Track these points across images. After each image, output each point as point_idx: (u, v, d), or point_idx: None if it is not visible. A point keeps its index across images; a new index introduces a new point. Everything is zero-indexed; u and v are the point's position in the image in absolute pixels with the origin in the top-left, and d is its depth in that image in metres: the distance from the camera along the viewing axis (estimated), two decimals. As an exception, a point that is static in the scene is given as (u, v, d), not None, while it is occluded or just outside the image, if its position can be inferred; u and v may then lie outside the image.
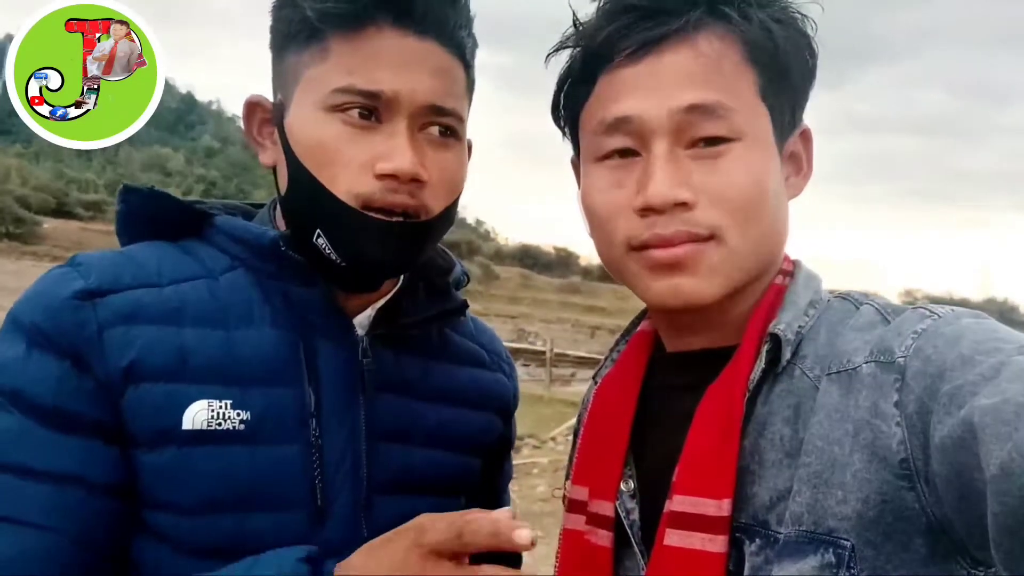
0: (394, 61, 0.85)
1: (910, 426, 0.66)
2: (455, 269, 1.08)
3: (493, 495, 1.16)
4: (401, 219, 0.87)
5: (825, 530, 0.69)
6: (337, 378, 0.91)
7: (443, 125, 0.90)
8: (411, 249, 0.91)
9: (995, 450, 0.53)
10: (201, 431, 0.81)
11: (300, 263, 0.89)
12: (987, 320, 0.71)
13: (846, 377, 0.73)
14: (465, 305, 1.07)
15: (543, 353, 19.49)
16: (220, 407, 0.83)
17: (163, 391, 0.81)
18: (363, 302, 0.96)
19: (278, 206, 0.97)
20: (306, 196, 0.88)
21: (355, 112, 0.85)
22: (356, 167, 0.85)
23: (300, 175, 0.87)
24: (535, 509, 6.59)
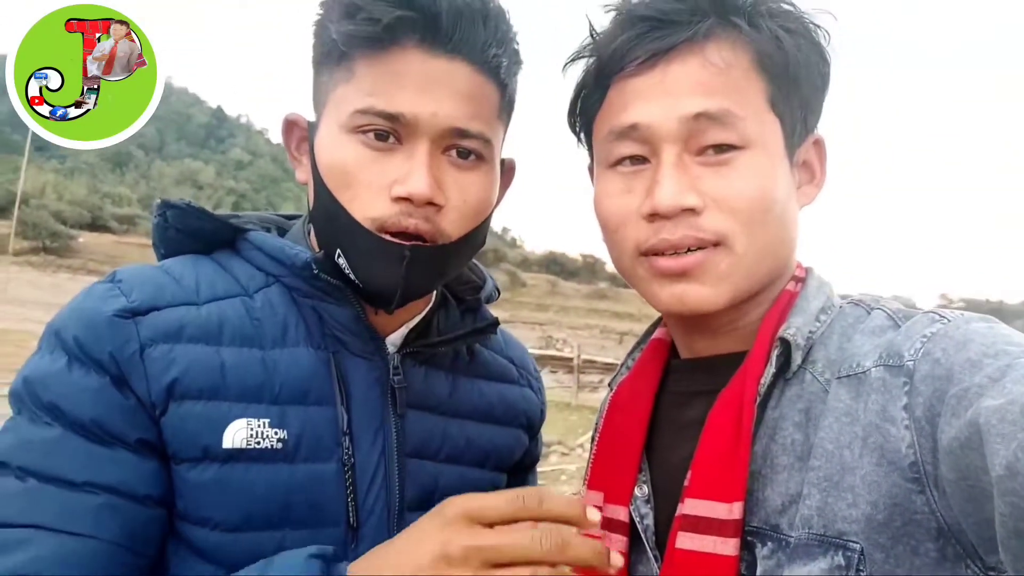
0: (417, 82, 0.83)
1: (919, 429, 0.66)
2: (487, 285, 1.08)
3: None
4: (417, 243, 0.86)
5: (835, 533, 0.69)
6: (369, 397, 0.91)
7: (467, 148, 0.88)
8: (426, 274, 0.90)
9: (1000, 450, 0.53)
10: (240, 450, 0.82)
11: (333, 283, 0.89)
12: (997, 324, 0.71)
13: (856, 381, 0.73)
14: (496, 323, 1.07)
15: (571, 360, 19.44)
16: (259, 426, 0.83)
17: (204, 410, 0.82)
18: (396, 320, 0.96)
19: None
20: (328, 216, 0.88)
21: (371, 134, 0.84)
22: (374, 190, 0.85)
23: (323, 195, 0.88)
24: (563, 516, 6.54)
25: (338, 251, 0.88)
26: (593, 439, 0.99)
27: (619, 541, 0.87)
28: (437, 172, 0.85)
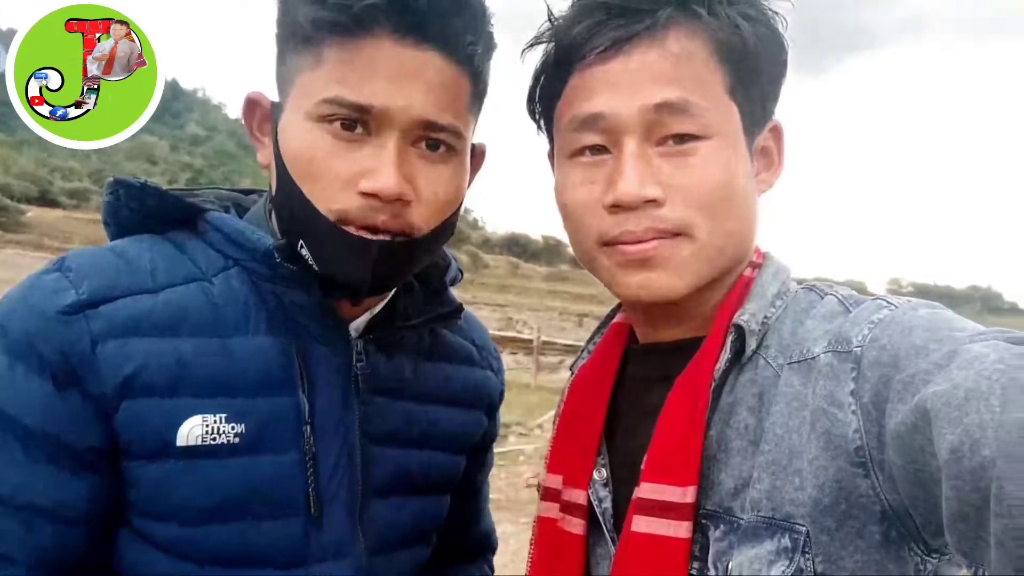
0: (389, 73, 0.80)
1: (865, 414, 0.67)
2: (451, 267, 1.07)
3: (472, 487, 1.17)
4: (386, 238, 0.84)
5: (783, 516, 0.71)
6: (331, 384, 0.90)
7: (437, 140, 0.86)
8: (395, 268, 0.88)
9: (946, 435, 0.54)
10: (195, 447, 0.81)
11: (294, 270, 0.87)
12: (942, 310, 0.72)
13: (805, 366, 0.75)
14: (460, 308, 1.05)
15: (531, 341, 19.53)
16: (215, 421, 0.82)
17: (159, 406, 0.80)
18: (360, 306, 0.95)
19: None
20: (291, 207, 0.85)
21: (338, 124, 0.81)
22: (340, 182, 0.82)
23: (286, 183, 0.85)
24: (522, 496, 6.62)
25: (301, 242, 0.86)
26: (554, 423, 1.00)
27: (577, 524, 0.88)
28: (406, 166, 0.83)
